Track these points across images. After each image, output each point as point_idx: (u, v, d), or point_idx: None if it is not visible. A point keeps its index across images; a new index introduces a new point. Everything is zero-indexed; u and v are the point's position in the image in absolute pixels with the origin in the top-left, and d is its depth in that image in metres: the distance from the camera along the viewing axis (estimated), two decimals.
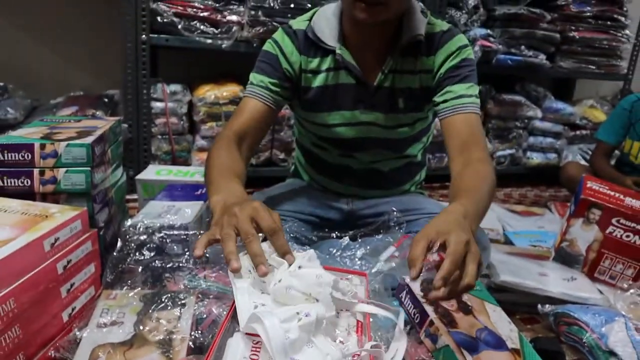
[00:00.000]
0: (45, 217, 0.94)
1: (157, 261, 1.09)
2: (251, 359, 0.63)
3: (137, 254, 1.11)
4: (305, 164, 1.36)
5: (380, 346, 0.67)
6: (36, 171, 1.09)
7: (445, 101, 1.14)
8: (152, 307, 0.98)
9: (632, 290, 1.31)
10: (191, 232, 1.12)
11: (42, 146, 1.08)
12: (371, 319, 0.97)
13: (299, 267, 0.73)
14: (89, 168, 1.10)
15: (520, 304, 1.26)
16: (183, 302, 0.99)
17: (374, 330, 0.95)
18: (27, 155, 1.08)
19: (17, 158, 1.08)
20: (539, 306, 1.23)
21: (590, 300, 1.25)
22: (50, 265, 0.89)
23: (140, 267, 1.08)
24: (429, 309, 0.93)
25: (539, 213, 2.01)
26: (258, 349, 0.65)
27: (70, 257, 0.94)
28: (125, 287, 1.04)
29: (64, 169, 1.09)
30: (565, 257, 1.44)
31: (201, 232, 1.13)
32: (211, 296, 1.00)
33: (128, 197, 1.78)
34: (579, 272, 1.40)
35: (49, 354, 0.88)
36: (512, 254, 1.43)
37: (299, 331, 0.62)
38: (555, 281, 1.30)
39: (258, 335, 0.66)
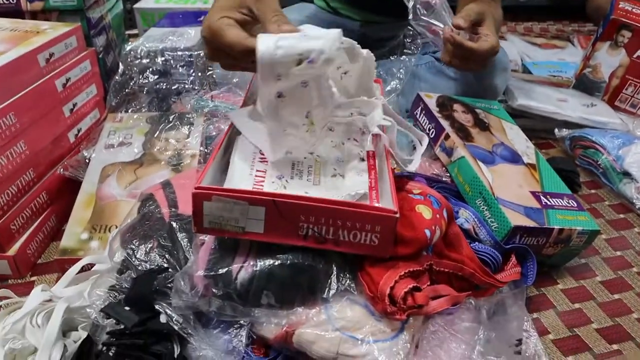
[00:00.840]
0: (36, 33, 0.88)
1: (161, 83, 1.05)
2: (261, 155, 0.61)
3: (140, 77, 1.06)
4: None
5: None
6: None
7: None
8: (160, 127, 0.96)
9: None
10: (196, 53, 1.06)
11: None
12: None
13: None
14: None
15: (537, 130, 1.23)
16: (191, 121, 0.96)
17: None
18: None
19: None
20: (556, 130, 1.19)
21: (609, 125, 1.22)
22: (48, 82, 0.84)
23: (145, 90, 1.04)
24: (444, 124, 0.89)
25: (560, 46, 1.89)
26: None
27: (68, 75, 0.89)
28: (130, 110, 1.02)
29: None
30: (586, 84, 1.37)
31: None
32: (219, 115, 0.97)
33: (128, 32, 1.69)
34: (599, 100, 1.35)
35: (59, 171, 0.87)
36: (531, 82, 1.37)
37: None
38: (574, 106, 1.25)
39: None
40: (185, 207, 0.64)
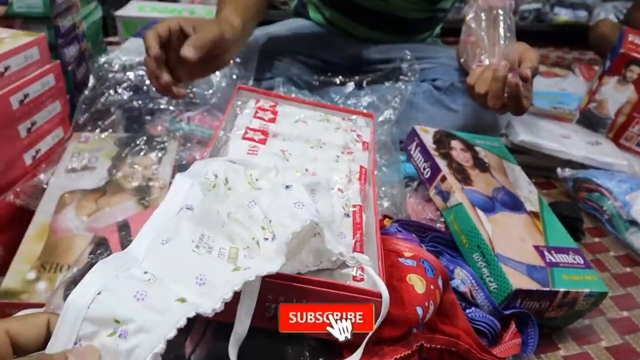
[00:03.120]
0: None
1: (134, 101, 0.96)
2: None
3: (112, 93, 0.97)
4: None
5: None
6: None
7: None
8: (128, 151, 0.87)
9: None
10: None
11: None
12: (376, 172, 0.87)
13: (287, 187, 0.49)
14: None
15: (538, 167, 1.16)
16: (163, 146, 0.87)
17: (378, 185, 0.85)
18: None
19: None
20: (559, 170, 1.12)
21: (615, 167, 1.14)
22: (2, 98, 0.75)
23: (117, 107, 0.95)
24: (441, 163, 0.81)
25: (561, 75, 1.82)
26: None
27: (27, 91, 0.80)
28: (98, 130, 0.92)
29: None
30: (590, 119, 1.30)
31: None
32: (194, 140, 0.88)
33: (110, 39, 1.61)
34: (603, 137, 1.28)
35: (8, 199, 0.77)
36: (533, 114, 1.29)
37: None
38: (578, 144, 1.18)
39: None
40: None
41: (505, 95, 0.79)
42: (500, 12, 0.80)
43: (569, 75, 1.86)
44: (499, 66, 0.78)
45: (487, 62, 0.83)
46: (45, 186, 0.81)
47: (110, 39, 1.59)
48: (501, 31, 0.81)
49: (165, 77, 0.72)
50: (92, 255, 0.58)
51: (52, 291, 0.55)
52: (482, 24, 0.82)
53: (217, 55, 0.77)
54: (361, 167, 0.61)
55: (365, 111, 0.75)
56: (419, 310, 0.48)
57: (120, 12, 1.40)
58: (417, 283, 0.50)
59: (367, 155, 0.65)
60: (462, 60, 0.89)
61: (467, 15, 0.84)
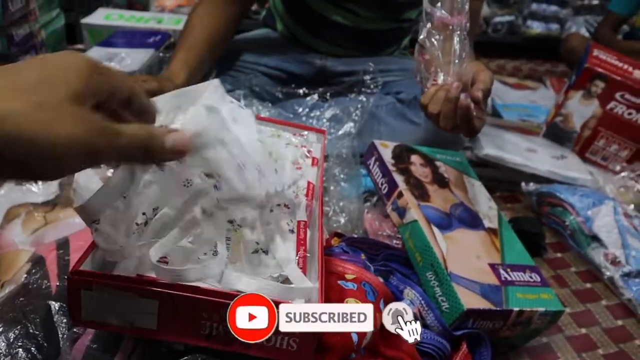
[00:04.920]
0: None
1: None
2: None
3: None
4: (283, 9, 1.15)
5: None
6: None
7: None
8: None
9: (624, 173, 1.20)
10: None
11: None
12: (333, 187, 0.85)
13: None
14: None
15: (502, 181, 1.16)
16: None
17: (337, 199, 0.84)
18: None
19: None
20: (523, 184, 1.12)
21: (579, 181, 1.15)
22: None
23: None
24: (398, 179, 0.80)
25: (532, 87, 1.84)
26: None
27: None
28: None
29: None
30: (557, 133, 1.31)
31: None
32: None
33: (79, 46, 1.59)
34: (569, 151, 1.28)
35: None
36: (499, 127, 1.30)
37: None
38: (543, 158, 1.18)
39: None
40: None
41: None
42: (457, 29, 0.79)
43: (540, 87, 1.88)
44: (451, 87, 0.77)
45: (441, 80, 0.82)
46: None
47: (79, 46, 1.56)
48: (456, 49, 0.80)
49: None
50: (26, 275, 0.55)
51: None
52: (436, 43, 0.81)
53: None
54: (309, 182, 0.60)
55: (317, 127, 0.74)
56: (354, 336, 0.47)
57: (86, 20, 1.38)
58: None
59: (316, 171, 0.64)
60: (417, 79, 0.87)
61: (420, 34, 0.83)
